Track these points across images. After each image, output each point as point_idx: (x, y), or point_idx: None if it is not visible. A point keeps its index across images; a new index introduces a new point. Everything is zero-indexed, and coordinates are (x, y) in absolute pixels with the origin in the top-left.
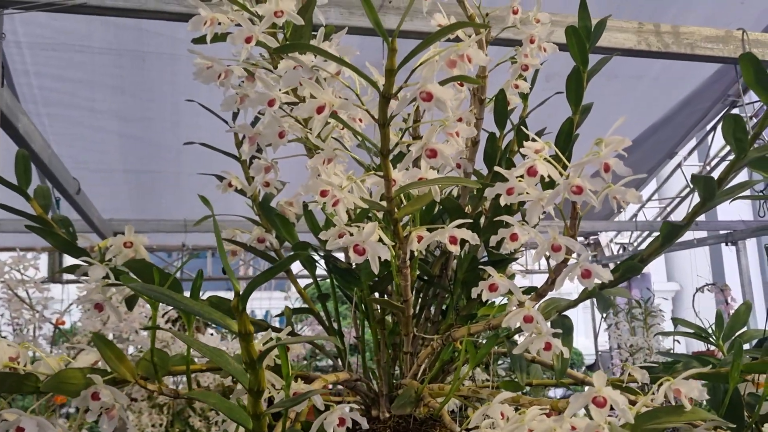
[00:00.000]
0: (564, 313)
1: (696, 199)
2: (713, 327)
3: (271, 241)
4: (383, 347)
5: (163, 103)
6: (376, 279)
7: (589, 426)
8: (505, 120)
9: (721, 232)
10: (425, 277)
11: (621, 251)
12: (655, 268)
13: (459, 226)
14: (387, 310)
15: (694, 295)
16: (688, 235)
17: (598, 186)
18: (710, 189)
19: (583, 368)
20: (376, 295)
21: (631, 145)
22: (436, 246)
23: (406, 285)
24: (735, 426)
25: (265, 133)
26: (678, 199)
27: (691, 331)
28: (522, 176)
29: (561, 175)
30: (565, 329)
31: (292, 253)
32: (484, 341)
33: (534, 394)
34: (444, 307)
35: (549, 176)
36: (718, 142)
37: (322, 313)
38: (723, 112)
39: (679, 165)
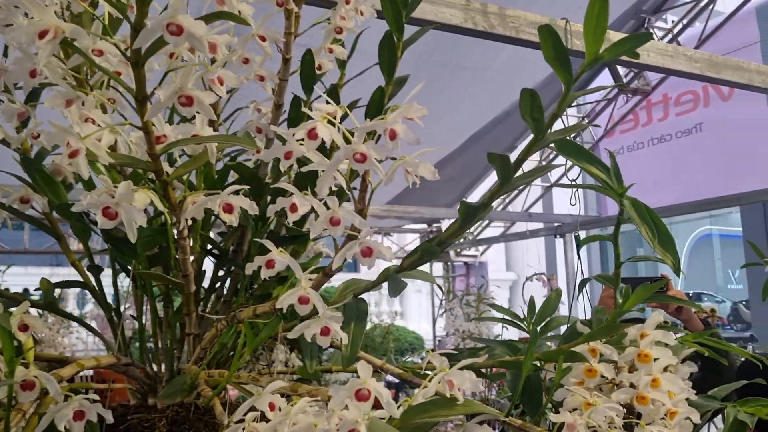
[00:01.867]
0: (362, 296)
1: (533, 191)
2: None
3: (39, 202)
4: (165, 327)
5: None
6: (157, 251)
7: (346, 423)
8: (312, 83)
9: (555, 224)
10: (216, 252)
11: (462, 239)
12: (495, 259)
13: (236, 192)
14: (170, 286)
15: (524, 284)
16: (522, 227)
17: (383, 154)
18: (506, 169)
19: (424, 353)
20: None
21: (474, 136)
22: None
23: (185, 258)
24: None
25: (12, 69)
26: (516, 192)
27: (505, 316)
28: (303, 139)
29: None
30: (359, 313)
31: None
32: None
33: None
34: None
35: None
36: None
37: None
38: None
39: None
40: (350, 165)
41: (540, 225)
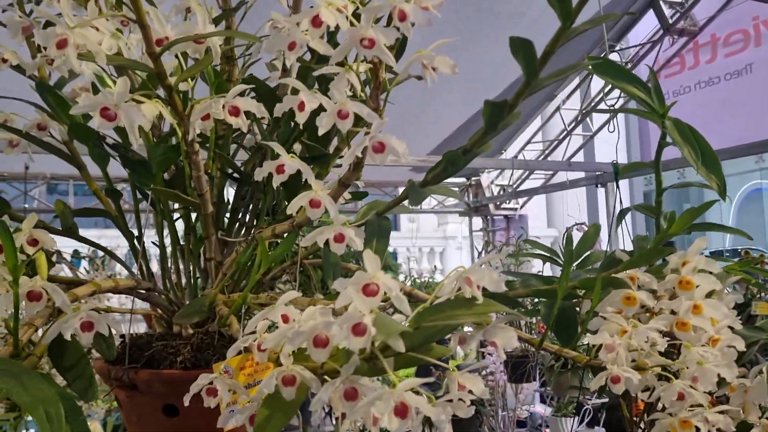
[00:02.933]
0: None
1: (574, 141)
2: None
3: (55, 127)
4: (187, 254)
5: None
6: (174, 171)
7: (350, 316)
8: None
9: (597, 173)
10: (236, 176)
11: (501, 192)
12: (536, 214)
13: (243, 94)
14: (191, 210)
15: (564, 234)
16: (561, 177)
17: (392, 37)
18: (531, 61)
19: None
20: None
21: (512, 85)
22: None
23: (199, 176)
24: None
25: None
26: (556, 142)
27: (540, 252)
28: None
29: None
30: (381, 230)
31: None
32: None
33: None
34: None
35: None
36: (597, 84)
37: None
38: (602, 56)
39: (558, 108)
40: (358, 53)
41: (581, 174)
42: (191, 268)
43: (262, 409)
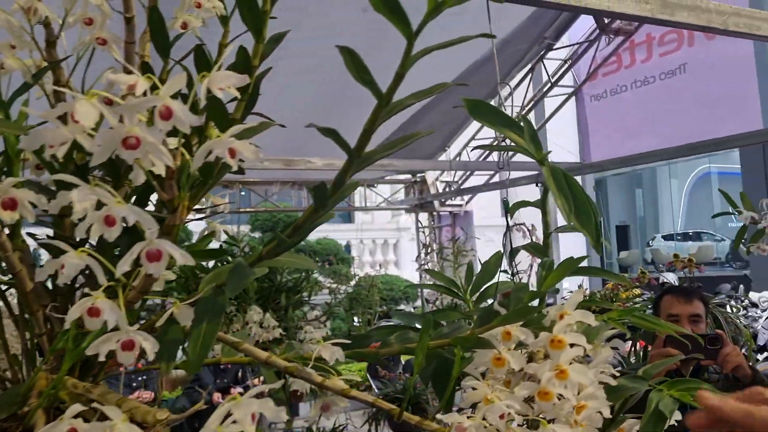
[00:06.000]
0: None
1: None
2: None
3: None
4: (22, 325)
5: None
6: None
7: None
8: (167, 47)
9: (536, 172)
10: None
11: (447, 189)
12: (488, 205)
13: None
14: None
15: (504, 234)
16: (503, 176)
17: (158, 136)
18: (322, 195)
19: (418, 301)
20: None
21: (456, 81)
22: None
23: (9, 256)
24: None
25: None
26: (496, 141)
27: (440, 284)
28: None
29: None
30: (215, 308)
31: None
32: None
33: None
34: None
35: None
36: (536, 81)
37: None
38: (540, 55)
39: (500, 104)
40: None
41: (520, 174)
42: (26, 341)
43: None
